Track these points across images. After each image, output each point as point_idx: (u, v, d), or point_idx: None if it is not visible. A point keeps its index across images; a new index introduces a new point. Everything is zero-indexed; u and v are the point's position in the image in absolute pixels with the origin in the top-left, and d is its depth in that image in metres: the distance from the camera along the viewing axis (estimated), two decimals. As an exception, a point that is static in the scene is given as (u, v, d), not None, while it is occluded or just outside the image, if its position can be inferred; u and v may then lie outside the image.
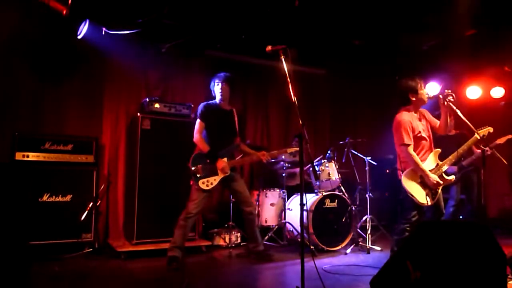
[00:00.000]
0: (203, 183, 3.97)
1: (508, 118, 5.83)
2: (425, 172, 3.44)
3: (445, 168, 3.57)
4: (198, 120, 4.15)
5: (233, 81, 4.29)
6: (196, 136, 4.12)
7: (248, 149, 4.43)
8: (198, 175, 3.98)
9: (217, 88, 4.22)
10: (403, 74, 3.87)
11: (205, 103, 4.23)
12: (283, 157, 5.44)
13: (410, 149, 3.51)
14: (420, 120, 3.71)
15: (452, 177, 3.60)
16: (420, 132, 3.61)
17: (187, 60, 5.67)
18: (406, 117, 3.60)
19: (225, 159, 4.08)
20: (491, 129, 3.58)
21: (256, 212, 4.71)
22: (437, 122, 3.75)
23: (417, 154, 3.56)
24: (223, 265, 4.30)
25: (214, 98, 4.29)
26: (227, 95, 4.25)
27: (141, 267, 3.98)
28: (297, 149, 3.96)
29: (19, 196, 4.15)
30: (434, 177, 3.45)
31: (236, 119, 4.34)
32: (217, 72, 4.32)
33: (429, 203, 3.46)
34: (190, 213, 3.96)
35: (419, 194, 3.47)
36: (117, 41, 4.87)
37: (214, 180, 4.02)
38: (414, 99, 3.64)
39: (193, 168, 4.01)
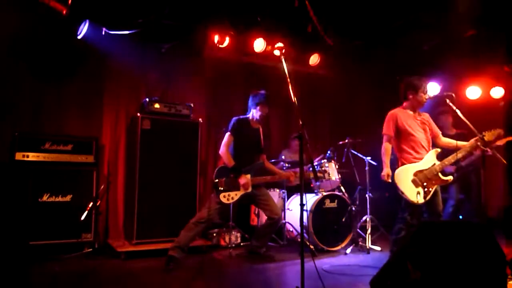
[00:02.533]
0: (224, 196, 4.00)
1: (508, 118, 5.83)
2: (385, 164, 3.66)
3: (439, 169, 3.59)
4: (228, 134, 4.16)
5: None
6: (223, 149, 4.14)
7: (272, 167, 4.46)
8: (220, 188, 4.01)
9: (262, 109, 4.27)
10: (403, 74, 3.90)
11: (238, 117, 4.28)
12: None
13: (386, 140, 3.73)
14: (415, 118, 3.75)
15: (450, 178, 3.61)
16: (410, 128, 3.66)
17: (187, 60, 5.67)
18: (395, 111, 3.78)
19: (249, 176, 4.08)
20: (501, 132, 3.57)
21: (281, 220, 4.58)
22: (438, 133, 3.82)
23: (408, 151, 3.65)
24: (223, 265, 4.30)
25: (247, 112, 4.37)
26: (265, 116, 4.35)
27: (141, 267, 3.98)
28: (319, 174, 4.38)
29: (19, 196, 4.17)
30: (387, 171, 3.64)
31: (262, 136, 4.39)
32: (217, 73, 4.34)
33: (420, 202, 3.48)
34: (202, 219, 3.97)
35: (410, 192, 3.49)
36: (117, 41, 4.87)
37: (235, 195, 4.04)
38: (411, 96, 3.74)
39: (216, 181, 4.06)
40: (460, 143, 3.67)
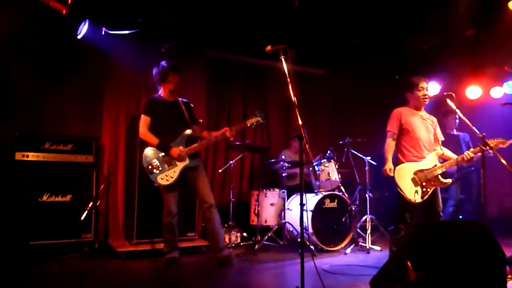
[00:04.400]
0: (162, 178, 3.70)
1: (507, 118, 5.82)
2: (387, 160, 3.66)
3: (439, 171, 3.59)
4: (142, 116, 3.86)
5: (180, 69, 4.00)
6: (142, 130, 3.83)
7: (207, 133, 4.06)
8: (154, 171, 3.69)
9: (170, 81, 3.90)
10: (403, 74, 3.92)
11: (147, 97, 4.01)
12: (283, 156, 5.45)
13: (389, 136, 3.73)
14: (420, 118, 3.75)
15: (449, 181, 3.62)
16: (413, 127, 3.67)
17: (187, 60, 5.66)
18: (400, 109, 3.79)
19: (181, 147, 3.77)
20: (504, 142, 3.57)
21: (216, 209, 4.01)
22: (438, 141, 3.84)
23: (409, 149, 3.66)
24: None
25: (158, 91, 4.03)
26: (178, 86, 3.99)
27: (141, 267, 3.98)
28: (258, 119, 3.82)
29: (19, 196, 4.16)
30: (389, 165, 3.62)
31: (184, 108, 4.00)
32: (217, 72, 4.32)
33: (418, 201, 3.49)
34: (165, 215, 3.84)
35: (409, 190, 3.50)
36: (117, 41, 4.87)
37: (173, 173, 3.72)
38: (409, 97, 3.80)
39: (146, 166, 3.71)
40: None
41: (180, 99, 4.05)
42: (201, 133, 4.08)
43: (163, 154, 3.75)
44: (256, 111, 3.93)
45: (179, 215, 3.98)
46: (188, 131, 3.91)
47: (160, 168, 3.71)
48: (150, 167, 3.70)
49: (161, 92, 4.00)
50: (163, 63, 3.95)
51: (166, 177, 3.71)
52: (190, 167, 3.85)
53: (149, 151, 3.79)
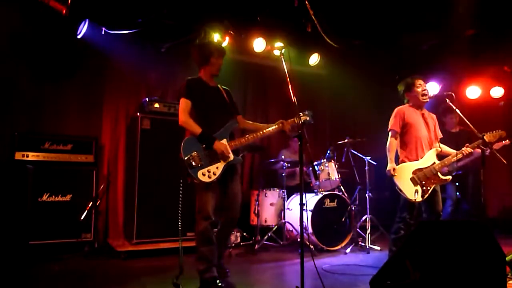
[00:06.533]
0: (203, 174, 3.12)
1: (507, 118, 5.83)
2: (390, 160, 3.63)
3: (438, 167, 3.59)
4: (182, 99, 3.28)
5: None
6: (183, 117, 3.22)
7: (254, 124, 3.60)
8: (194, 165, 3.10)
9: (215, 62, 3.42)
10: (403, 74, 3.92)
11: (187, 79, 3.42)
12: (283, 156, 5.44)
13: (392, 135, 3.72)
14: (421, 116, 3.75)
15: (449, 177, 3.62)
16: (415, 126, 3.67)
17: (187, 60, 5.65)
18: (402, 107, 3.79)
19: (224, 140, 3.26)
20: (503, 134, 3.57)
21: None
22: (437, 138, 3.83)
23: (410, 148, 3.66)
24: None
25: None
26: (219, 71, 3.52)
27: (141, 267, 3.98)
28: (307, 118, 3.38)
29: (19, 196, 4.16)
30: (392, 165, 3.60)
31: (226, 95, 3.52)
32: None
33: (418, 200, 3.49)
34: (207, 217, 3.25)
35: (408, 190, 3.50)
36: (117, 41, 4.87)
37: (216, 169, 3.16)
38: (408, 96, 3.81)
39: (186, 158, 3.10)
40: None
41: (219, 85, 3.54)
42: (246, 125, 3.58)
43: (204, 146, 3.19)
44: (305, 110, 3.44)
45: (179, 215, 3.88)
46: (234, 122, 3.41)
47: (202, 162, 3.13)
48: (190, 160, 3.11)
49: (201, 75, 3.48)
50: (207, 42, 3.54)
51: (209, 173, 3.13)
52: (231, 166, 3.28)
53: (191, 141, 3.18)
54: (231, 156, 3.22)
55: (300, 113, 3.30)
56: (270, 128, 3.40)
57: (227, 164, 3.22)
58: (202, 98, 3.32)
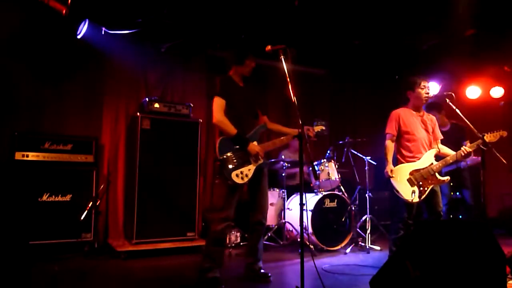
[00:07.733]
0: (237, 175, 3.12)
1: (507, 118, 5.83)
2: (388, 161, 3.66)
3: (436, 168, 3.59)
4: (216, 97, 3.29)
5: None
6: (218, 116, 3.22)
7: (280, 127, 3.65)
8: (230, 166, 3.12)
9: (249, 64, 3.45)
10: (403, 74, 3.93)
11: (219, 76, 3.45)
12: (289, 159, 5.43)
13: (388, 138, 3.74)
14: (418, 118, 3.76)
15: (447, 178, 3.62)
16: (412, 128, 3.68)
17: (187, 60, 5.67)
18: (398, 110, 3.80)
19: (255, 143, 3.30)
20: (504, 134, 3.54)
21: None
22: (437, 139, 3.84)
23: (408, 150, 3.67)
24: (223, 265, 4.29)
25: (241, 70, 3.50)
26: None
27: (141, 267, 3.98)
28: (322, 127, 3.52)
29: (19, 196, 4.17)
30: (390, 167, 3.62)
31: (252, 95, 3.57)
32: (218, 72, 4.23)
33: (415, 200, 3.49)
34: (227, 218, 3.23)
35: (405, 190, 3.51)
36: (117, 41, 4.87)
37: (248, 171, 3.20)
38: (410, 95, 3.80)
39: (222, 158, 3.12)
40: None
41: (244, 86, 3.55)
42: (272, 126, 3.65)
43: (238, 147, 3.21)
44: (320, 119, 3.56)
45: (179, 214, 3.85)
46: (263, 126, 3.48)
47: (236, 163, 3.16)
48: (226, 160, 3.12)
49: (232, 74, 3.49)
50: (245, 44, 3.56)
51: (241, 174, 3.15)
52: (259, 168, 3.34)
53: (225, 141, 3.20)
54: (262, 160, 3.31)
55: (315, 122, 3.49)
56: (291, 133, 3.46)
57: (258, 166, 3.29)
58: (234, 97, 3.34)
